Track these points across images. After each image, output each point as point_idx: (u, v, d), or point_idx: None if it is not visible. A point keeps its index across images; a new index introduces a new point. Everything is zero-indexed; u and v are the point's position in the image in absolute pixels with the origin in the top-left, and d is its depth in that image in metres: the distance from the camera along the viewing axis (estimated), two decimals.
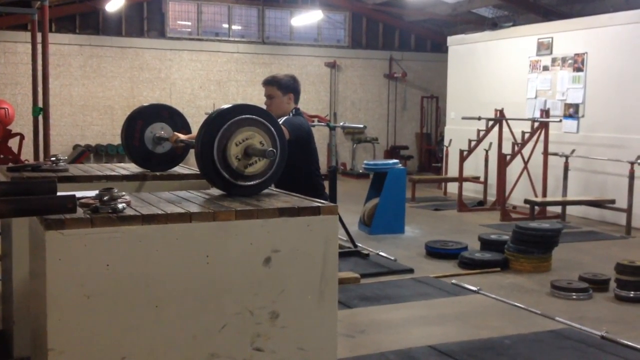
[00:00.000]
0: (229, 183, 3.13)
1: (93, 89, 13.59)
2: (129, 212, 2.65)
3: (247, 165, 3.11)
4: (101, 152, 13.47)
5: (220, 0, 14.49)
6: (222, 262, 2.76)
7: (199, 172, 4.49)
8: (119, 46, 13.66)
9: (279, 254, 2.86)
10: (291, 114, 4.28)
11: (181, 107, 14.09)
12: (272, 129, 3.16)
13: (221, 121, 3.08)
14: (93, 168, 4.52)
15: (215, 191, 3.35)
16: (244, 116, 3.11)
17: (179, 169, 4.65)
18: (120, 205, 2.63)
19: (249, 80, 14.56)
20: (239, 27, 14.88)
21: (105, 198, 2.62)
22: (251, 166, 3.13)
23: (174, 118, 4.48)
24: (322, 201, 3.07)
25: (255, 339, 2.83)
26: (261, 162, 3.14)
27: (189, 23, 14.46)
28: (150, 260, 2.63)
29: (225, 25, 14.70)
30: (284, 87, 4.22)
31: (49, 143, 7.82)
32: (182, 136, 4.24)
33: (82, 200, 2.72)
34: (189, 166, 4.81)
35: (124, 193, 2.75)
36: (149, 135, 4.40)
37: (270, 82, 4.24)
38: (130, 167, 4.57)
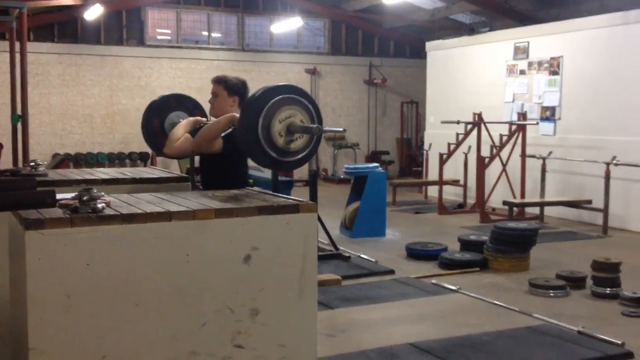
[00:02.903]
0: (274, 160, 3.40)
1: (72, 98, 13.54)
2: (108, 211, 2.68)
3: (290, 142, 3.40)
4: (81, 161, 13.40)
5: (200, 7, 14.52)
6: (202, 261, 2.79)
7: (180, 176, 4.54)
8: (98, 54, 13.64)
9: (259, 252, 2.90)
10: (229, 129, 3.98)
11: None
12: (311, 107, 3.46)
13: (265, 99, 3.34)
14: (73, 173, 4.52)
15: (194, 192, 3.39)
16: (286, 95, 3.39)
17: (159, 173, 4.67)
18: (99, 205, 2.65)
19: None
20: (219, 35, 14.91)
21: (84, 198, 2.64)
22: (293, 142, 3.41)
23: (183, 102, 4.66)
24: (301, 199, 3.11)
25: (235, 336, 2.86)
26: (302, 138, 3.43)
27: (169, 31, 14.46)
28: (130, 259, 2.65)
29: (205, 33, 14.72)
30: (230, 88, 4.13)
31: (28, 151, 7.79)
32: (204, 120, 4.25)
33: (62, 202, 2.74)
34: (170, 170, 4.85)
35: (103, 193, 2.78)
36: (169, 128, 4.51)
37: (218, 81, 4.17)
38: (109, 172, 4.59)
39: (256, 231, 2.89)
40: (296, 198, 3.14)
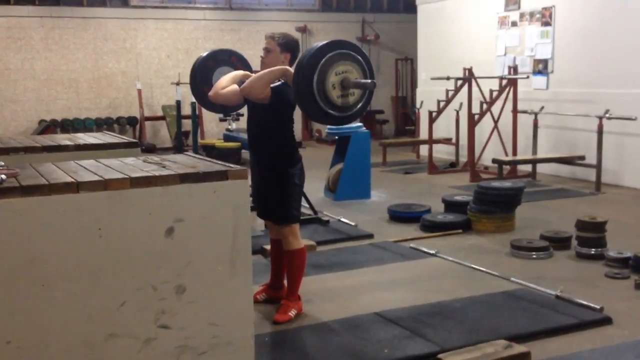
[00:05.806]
0: (326, 113, 3.58)
1: (56, 62, 13.21)
2: (8, 184, 2.43)
3: (343, 97, 3.60)
4: (67, 127, 13.13)
5: None
6: (117, 235, 2.55)
7: (129, 141, 4.28)
8: (81, 17, 13.25)
9: (183, 224, 2.66)
10: (279, 82, 4.04)
11: (148, 77, 13.78)
12: (365, 67, 3.69)
13: (320, 55, 3.53)
14: (14, 141, 4.28)
15: (128, 159, 3.13)
16: (342, 51, 3.60)
17: (108, 138, 4.42)
18: None
19: (217, 47, 14.16)
20: None
21: None
22: (345, 97, 3.61)
23: (219, 57, 4.89)
24: (230, 165, 2.84)
25: (159, 315, 2.64)
26: (354, 95, 3.63)
27: None
28: (34, 235, 2.42)
29: None
30: (283, 44, 4.17)
31: None
32: (251, 75, 4.25)
33: None
34: (122, 136, 4.60)
35: (2, 164, 2.52)
36: None
37: (272, 37, 4.23)
38: (56, 138, 4.34)
39: (179, 201, 2.64)
40: (225, 163, 2.88)
